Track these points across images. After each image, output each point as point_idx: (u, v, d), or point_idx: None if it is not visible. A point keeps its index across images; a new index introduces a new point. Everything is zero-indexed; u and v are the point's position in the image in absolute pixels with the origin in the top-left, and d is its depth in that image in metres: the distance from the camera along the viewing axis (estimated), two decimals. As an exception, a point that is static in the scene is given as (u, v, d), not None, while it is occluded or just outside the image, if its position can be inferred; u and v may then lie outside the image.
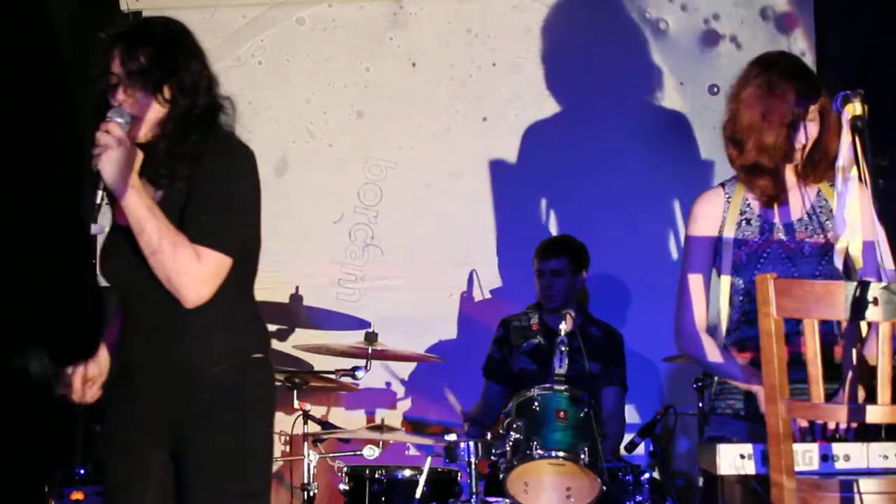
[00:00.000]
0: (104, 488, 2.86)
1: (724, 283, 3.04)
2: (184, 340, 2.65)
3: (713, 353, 3.00)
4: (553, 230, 5.30)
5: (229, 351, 2.69)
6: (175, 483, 2.66)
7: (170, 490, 2.67)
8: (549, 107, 5.41)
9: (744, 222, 3.04)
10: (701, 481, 4.29)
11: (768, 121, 2.95)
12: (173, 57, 2.68)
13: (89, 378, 2.82)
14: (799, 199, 3.05)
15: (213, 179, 2.64)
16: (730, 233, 3.03)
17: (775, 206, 3.03)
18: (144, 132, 2.65)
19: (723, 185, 3.12)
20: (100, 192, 2.57)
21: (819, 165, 3.01)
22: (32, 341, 2.91)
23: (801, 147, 2.97)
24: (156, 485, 2.67)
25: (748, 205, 3.05)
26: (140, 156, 2.63)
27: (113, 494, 2.75)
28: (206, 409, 2.64)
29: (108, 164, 2.55)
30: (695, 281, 3.05)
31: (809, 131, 2.96)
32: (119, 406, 2.74)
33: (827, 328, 2.91)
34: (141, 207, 2.57)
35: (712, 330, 3.06)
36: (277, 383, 4.55)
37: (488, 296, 5.36)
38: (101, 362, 2.87)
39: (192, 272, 2.57)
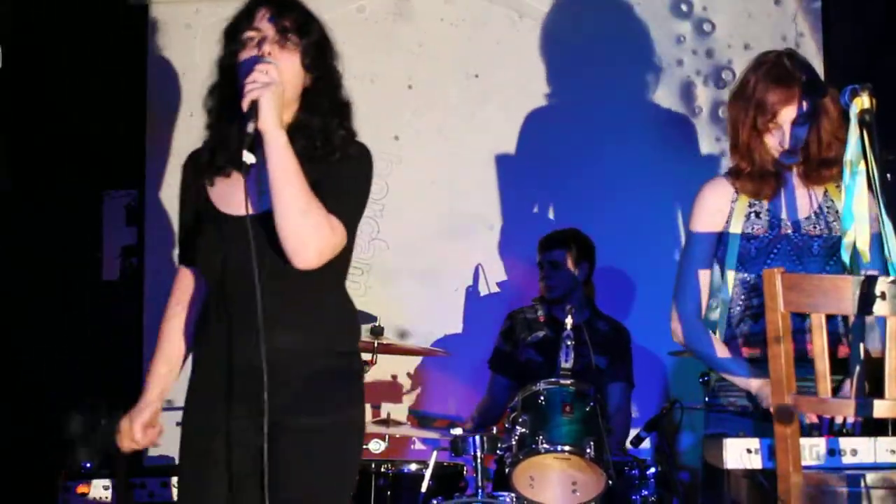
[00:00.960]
0: (181, 482, 2.75)
1: (729, 275, 3.03)
2: (286, 329, 2.59)
3: (714, 347, 2.99)
4: (558, 224, 5.29)
5: (329, 341, 2.67)
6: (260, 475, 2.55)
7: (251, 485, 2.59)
8: (555, 101, 5.40)
9: (753, 215, 3.02)
10: (702, 474, 4.28)
11: (745, 125, 2.97)
12: (320, 31, 2.72)
13: (146, 424, 2.74)
14: (805, 198, 3.03)
15: (348, 167, 2.65)
16: (738, 224, 3.01)
17: (782, 202, 3.02)
18: (283, 95, 2.58)
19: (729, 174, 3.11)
20: (251, 124, 2.48)
21: (811, 166, 2.99)
22: (73, 399, 2.85)
23: (790, 150, 2.96)
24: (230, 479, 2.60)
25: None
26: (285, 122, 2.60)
27: (191, 489, 2.68)
28: (299, 398, 2.59)
29: (269, 99, 2.49)
30: (697, 271, 3.04)
31: (797, 133, 2.94)
32: (201, 400, 2.67)
33: (832, 326, 2.90)
34: (289, 151, 2.51)
35: (714, 324, 3.05)
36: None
37: (494, 290, 5.36)
38: (151, 401, 2.76)
39: (322, 235, 2.53)
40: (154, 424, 2.75)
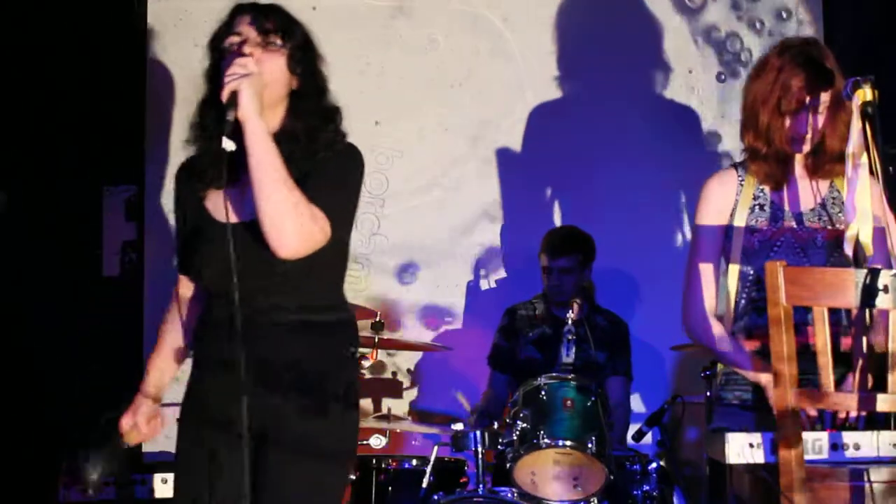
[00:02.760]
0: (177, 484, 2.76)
1: (733, 269, 3.01)
2: (276, 333, 2.61)
3: (723, 341, 2.98)
4: (559, 220, 5.28)
5: (321, 346, 2.66)
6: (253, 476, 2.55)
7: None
8: (556, 96, 5.39)
9: (757, 207, 3.00)
10: (707, 470, 4.27)
11: (767, 106, 2.93)
12: (303, 35, 2.71)
13: (149, 417, 2.80)
14: (809, 190, 3.01)
15: (333, 163, 2.64)
16: (742, 217, 2.99)
17: (785, 194, 3.00)
18: (268, 95, 2.59)
19: (735, 166, 3.08)
20: (231, 113, 2.49)
21: (823, 159, 2.97)
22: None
23: (802, 137, 2.93)
24: (226, 480, 2.59)
25: (761, 190, 3.01)
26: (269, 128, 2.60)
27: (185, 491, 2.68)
28: (290, 403, 2.59)
29: (247, 88, 2.50)
30: (705, 265, 3.02)
31: (814, 122, 2.92)
32: (196, 403, 2.69)
33: (834, 318, 2.88)
34: (268, 138, 2.51)
35: (719, 317, 3.03)
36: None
37: (494, 285, 5.35)
38: (150, 394, 2.82)
39: (304, 224, 2.51)
40: (156, 416, 2.81)
